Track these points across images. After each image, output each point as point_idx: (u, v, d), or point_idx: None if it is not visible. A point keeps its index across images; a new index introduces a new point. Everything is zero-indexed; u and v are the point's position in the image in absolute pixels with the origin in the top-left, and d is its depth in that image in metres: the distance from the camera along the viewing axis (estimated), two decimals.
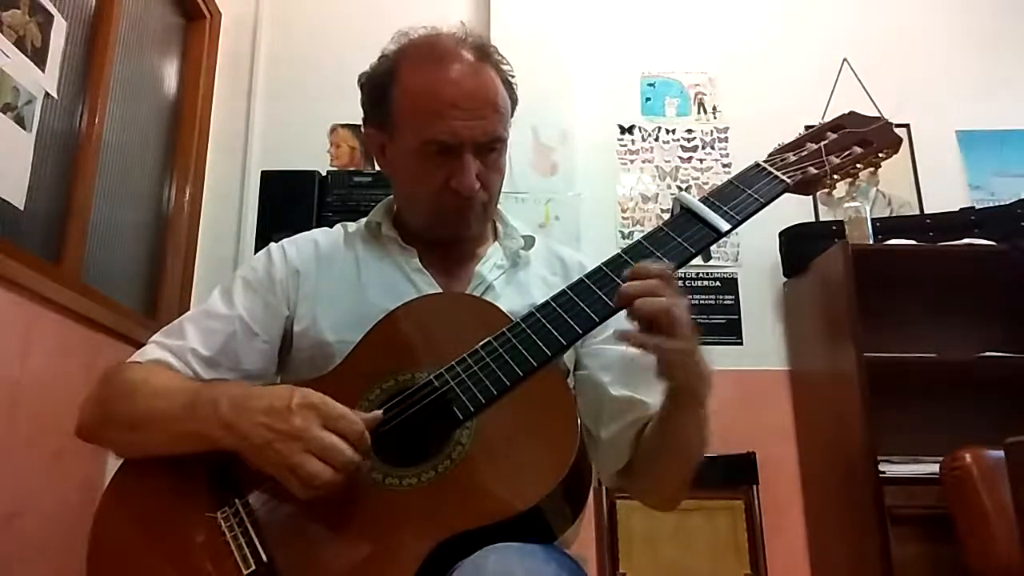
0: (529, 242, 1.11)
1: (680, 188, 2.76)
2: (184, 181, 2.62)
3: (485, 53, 1.01)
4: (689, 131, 2.83)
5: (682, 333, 0.81)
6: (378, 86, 1.03)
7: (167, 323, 1.03)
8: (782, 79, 2.82)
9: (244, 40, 2.82)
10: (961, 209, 2.53)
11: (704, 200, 0.92)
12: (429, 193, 1.01)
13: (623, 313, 0.97)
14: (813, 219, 2.66)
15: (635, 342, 0.82)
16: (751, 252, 2.66)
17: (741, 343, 2.58)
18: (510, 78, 1.05)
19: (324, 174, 2.35)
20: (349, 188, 2.30)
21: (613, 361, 1.03)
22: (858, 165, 0.98)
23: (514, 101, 1.06)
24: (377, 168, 2.44)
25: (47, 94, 1.84)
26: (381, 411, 0.83)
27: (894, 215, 2.67)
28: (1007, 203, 2.48)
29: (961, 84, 2.84)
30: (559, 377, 0.88)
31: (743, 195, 0.92)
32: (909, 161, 2.73)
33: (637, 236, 0.91)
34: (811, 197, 2.64)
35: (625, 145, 2.81)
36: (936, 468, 1.88)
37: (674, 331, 0.80)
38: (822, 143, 0.99)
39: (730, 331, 2.59)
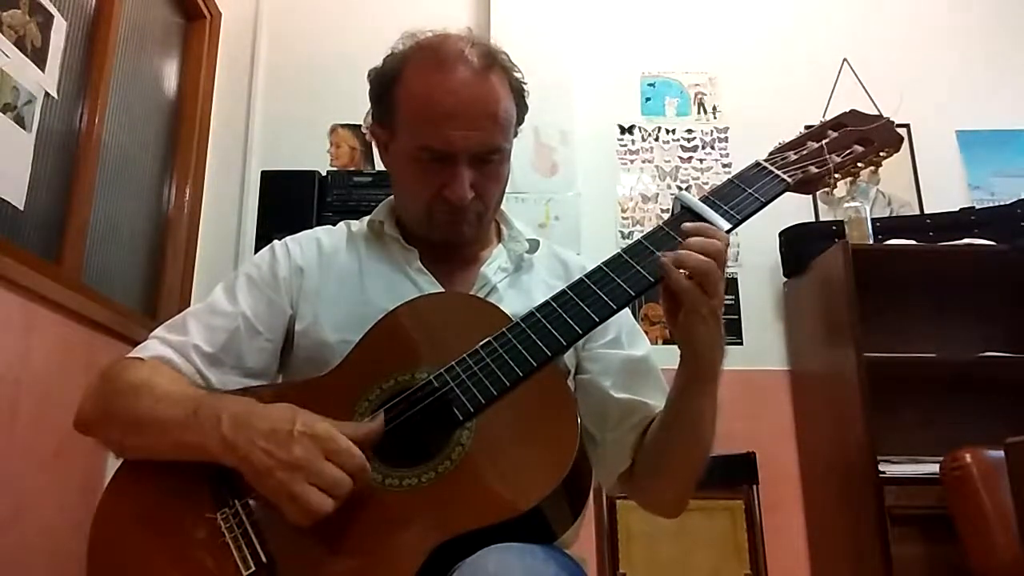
0: (533, 245, 1.11)
1: (680, 188, 2.76)
2: (184, 181, 2.62)
3: (492, 60, 1.00)
4: (689, 131, 2.83)
5: (718, 293, 0.82)
6: (383, 85, 1.03)
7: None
8: (782, 79, 2.82)
9: (244, 40, 2.82)
10: (961, 209, 2.53)
11: (704, 199, 0.92)
12: (422, 198, 1.01)
13: (623, 314, 0.98)
14: (813, 219, 2.66)
15: (673, 273, 0.82)
16: (751, 252, 2.66)
17: (741, 343, 2.58)
18: (521, 85, 1.04)
19: (324, 174, 2.35)
20: (349, 188, 2.30)
21: (614, 365, 1.03)
22: (859, 164, 0.98)
23: (522, 108, 1.05)
24: (377, 168, 2.46)
25: (47, 94, 1.84)
26: (382, 423, 0.82)
27: (894, 215, 2.67)
28: (1007, 203, 2.48)
29: (961, 84, 2.85)
30: (559, 377, 0.88)
31: (743, 194, 0.92)
32: (909, 161, 2.73)
33: (637, 236, 0.91)
34: (811, 197, 2.64)
35: (625, 145, 2.81)
36: (936, 468, 1.88)
37: (713, 288, 0.82)
38: (823, 141, 0.98)
39: (730, 331, 2.59)
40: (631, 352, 1.05)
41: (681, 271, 0.82)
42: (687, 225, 0.86)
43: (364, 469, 0.77)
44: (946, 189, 2.72)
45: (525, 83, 1.05)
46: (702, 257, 0.82)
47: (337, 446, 0.77)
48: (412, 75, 1.00)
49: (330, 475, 0.75)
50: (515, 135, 1.05)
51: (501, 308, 0.92)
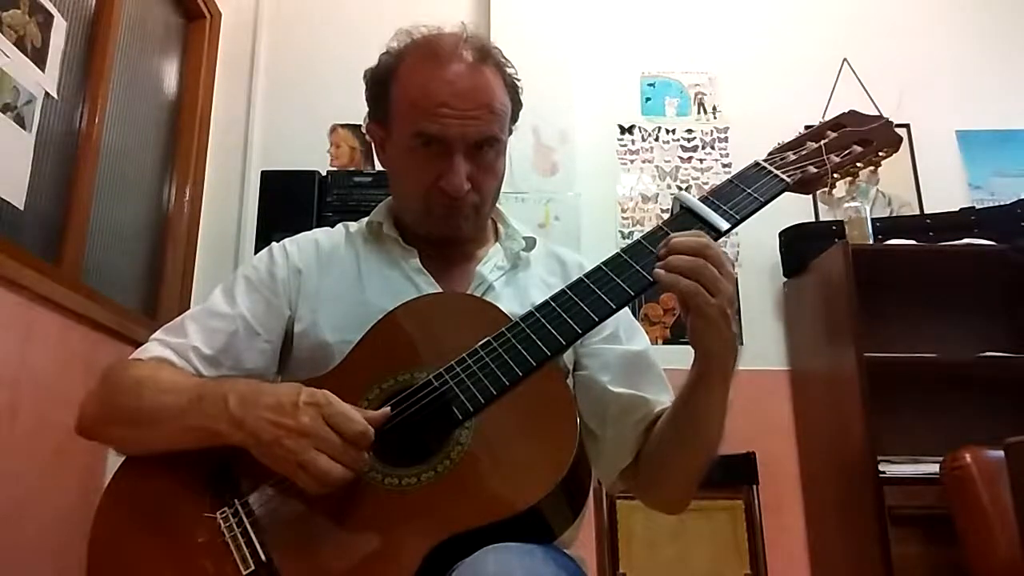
0: (530, 243, 1.11)
1: (680, 188, 2.76)
2: (184, 181, 2.62)
3: (486, 54, 1.01)
4: (689, 131, 2.83)
5: (723, 291, 0.81)
6: (379, 82, 1.04)
7: (167, 323, 1.03)
8: (782, 79, 2.82)
9: (244, 40, 2.82)
10: (961, 209, 2.53)
11: (704, 199, 0.92)
12: (420, 191, 1.01)
13: (623, 313, 0.98)
14: (813, 219, 2.66)
15: (671, 280, 0.81)
16: (751, 252, 2.66)
17: (741, 343, 2.57)
18: (515, 81, 1.05)
19: (324, 174, 2.35)
20: (349, 188, 2.30)
21: (613, 360, 1.03)
22: (858, 164, 0.98)
23: (516, 104, 1.05)
24: (377, 168, 2.46)
25: (47, 94, 1.85)
26: (389, 408, 0.83)
27: (894, 215, 2.67)
28: (1007, 203, 2.47)
29: (961, 84, 2.84)
30: (559, 377, 0.88)
31: (743, 194, 0.92)
32: (909, 161, 2.73)
33: (637, 236, 0.91)
34: (811, 197, 2.64)
35: (625, 145, 2.81)
36: (936, 468, 1.88)
37: (716, 287, 0.80)
38: (822, 142, 0.99)
39: None
40: (629, 347, 1.05)
41: (680, 275, 0.81)
42: (673, 234, 0.85)
43: (366, 434, 0.78)
44: (946, 189, 2.71)
45: (519, 79, 1.06)
46: (687, 257, 0.81)
47: (336, 411, 0.78)
48: (407, 70, 1.01)
49: (336, 440, 0.76)
50: (510, 131, 1.06)
51: (500, 307, 0.92)
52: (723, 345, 0.84)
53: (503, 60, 1.04)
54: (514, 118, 1.06)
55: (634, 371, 1.02)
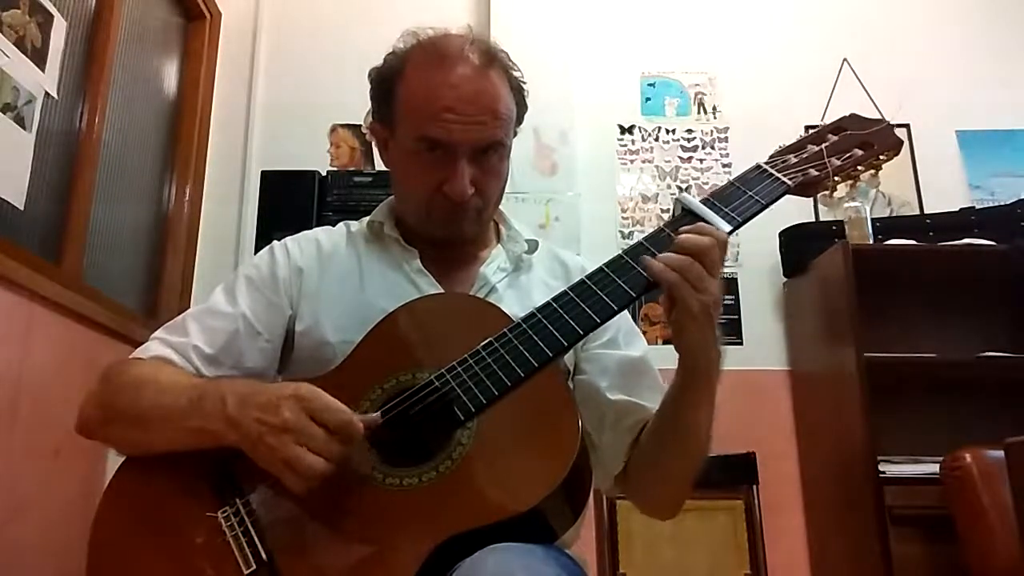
0: (532, 246, 1.11)
1: (680, 188, 2.76)
2: (184, 181, 2.62)
3: (492, 58, 1.00)
4: (689, 131, 2.83)
5: (708, 289, 0.82)
6: (384, 82, 1.04)
7: (167, 322, 1.03)
8: (782, 79, 2.82)
9: (244, 40, 2.82)
10: (961, 209, 2.53)
11: (705, 201, 0.92)
12: (422, 194, 1.01)
13: (621, 315, 0.98)
14: (813, 219, 2.66)
15: (658, 269, 0.82)
16: (751, 252, 2.66)
17: (741, 343, 2.58)
18: (521, 84, 1.05)
19: (324, 174, 2.35)
20: (349, 188, 2.30)
21: (611, 366, 1.03)
22: (859, 167, 0.98)
23: (522, 107, 1.05)
24: (378, 168, 2.46)
25: (47, 94, 1.84)
26: (379, 414, 0.83)
27: (894, 215, 2.67)
28: (1007, 203, 2.48)
29: (961, 84, 2.84)
30: (560, 377, 0.88)
31: (744, 196, 0.92)
32: (909, 161, 2.73)
33: (637, 236, 0.92)
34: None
35: (625, 145, 2.81)
36: (936, 468, 1.88)
37: (703, 284, 0.81)
38: (823, 145, 0.99)
39: (730, 331, 2.59)
40: (627, 352, 1.05)
41: (668, 267, 0.82)
42: (683, 228, 0.86)
43: (350, 424, 0.77)
44: (946, 189, 2.72)
45: (524, 82, 1.05)
46: (684, 256, 0.82)
47: (321, 404, 0.78)
48: (413, 72, 1.01)
49: (319, 434, 0.76)
50: (514, 134, 1.06)
51: (501, 308, 0.92)
52: (704, 342, 0.84)
53: (509, 63, 1.03)
54: (519, 121, 1.06)
55: (631, 377, 1.02)
